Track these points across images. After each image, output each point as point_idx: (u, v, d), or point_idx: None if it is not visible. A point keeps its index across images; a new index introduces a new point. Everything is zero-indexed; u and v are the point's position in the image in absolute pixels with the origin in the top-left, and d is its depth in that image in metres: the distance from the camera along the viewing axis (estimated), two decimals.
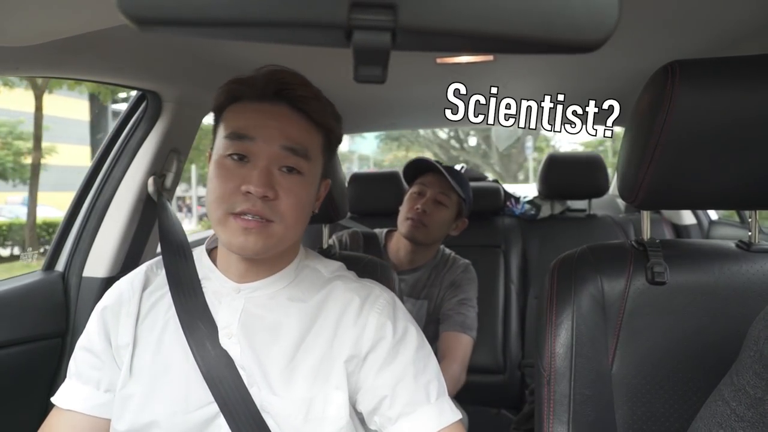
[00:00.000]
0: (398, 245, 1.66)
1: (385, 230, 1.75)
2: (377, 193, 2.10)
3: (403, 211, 1.63)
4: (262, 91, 0.77)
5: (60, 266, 1.29)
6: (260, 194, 0.72)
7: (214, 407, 0.77)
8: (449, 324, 1.53)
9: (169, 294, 0.83)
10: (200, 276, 0.84)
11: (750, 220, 0.88)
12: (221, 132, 0.78)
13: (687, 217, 2.29)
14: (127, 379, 0.79)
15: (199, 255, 0.88)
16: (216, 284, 0.83)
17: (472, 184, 2.27)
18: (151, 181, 1.31)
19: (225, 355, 0.78)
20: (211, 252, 0.88)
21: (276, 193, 0.73)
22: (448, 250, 1.71)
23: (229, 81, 0.79)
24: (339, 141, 0.87)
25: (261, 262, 0.82)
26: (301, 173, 0.76)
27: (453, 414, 0.78)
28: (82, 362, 0.84)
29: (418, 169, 1.67)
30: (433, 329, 1.56)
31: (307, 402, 0.76)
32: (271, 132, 0.75)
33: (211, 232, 0.86)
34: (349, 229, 1.74)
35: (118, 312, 0.83)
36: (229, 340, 0.79)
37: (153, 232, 1.39)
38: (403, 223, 1.61)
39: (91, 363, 0.83)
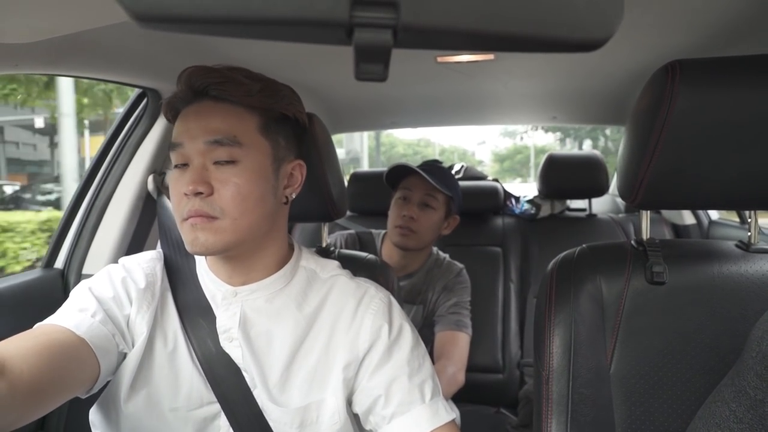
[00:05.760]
0: (391, 251, 1.63)
1: (382, 232, 1.72)
2: (378, 192, 2.10)
3: (391, 218, 1.60)
4: (184, 95, 0.77)
5: (59, 263, 1.29)
6: (192, 192, 0.72)
7: (216, 407, 0.77)
8: (444, 324, 1.52)
9: (170, 290, 0.83)
10: (198, 277, 0.84)
11: (750, 220, 0.88)
12: None
13: (687, 217, 2.29)
14: (135, 368, 0.76)
15: (199, 257, 0.87)
16: (212, 287, 0.83)
17: (472, 183, 2.28)
18: (150, 178, 1.31)
19: (227, 355, 0.78)
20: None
21: (210, 187, 0.73)
22: (442, 254, 1.69)
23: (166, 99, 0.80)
24: (293, 119, 0.82)
25: (246, 263, 0.81)
26: (235, 162, 0.74)
27: (447, 414, 0.78)
28: (77, 299, 0.77)
29: (400, 173, 1.62)
30: (427, 333, 1.54)
31: (302, 411, 0.76)
32: (194, 132, 0.74)
33: None
34: (344, 232, 1.72)
35: (141, 296, 0.79)
36: (231, 343, 0.79)
37: (152, 230, 1.39)
38: (392, 231, 1.58)
39: (90, 302, 0.76)
